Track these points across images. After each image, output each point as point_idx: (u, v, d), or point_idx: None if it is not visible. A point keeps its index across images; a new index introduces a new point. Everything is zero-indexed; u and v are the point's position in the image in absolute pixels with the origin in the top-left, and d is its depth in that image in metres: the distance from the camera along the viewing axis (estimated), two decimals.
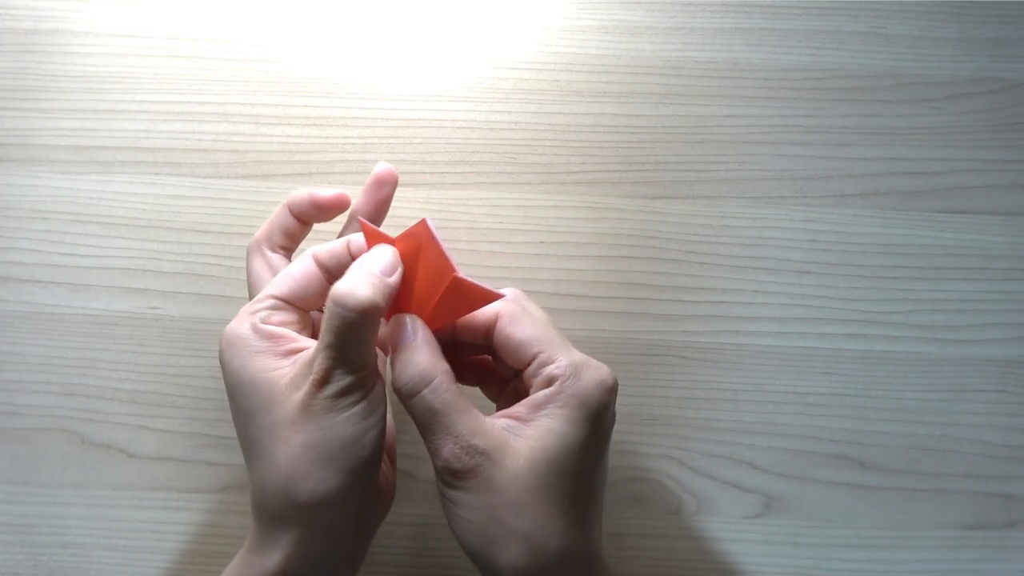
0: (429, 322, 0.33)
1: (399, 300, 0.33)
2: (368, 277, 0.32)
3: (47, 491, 0.42)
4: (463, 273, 0.31)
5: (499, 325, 0.33)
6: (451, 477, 0.31)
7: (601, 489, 0.33)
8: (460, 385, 0.32)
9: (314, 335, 0.35)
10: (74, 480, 0.42)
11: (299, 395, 0.31)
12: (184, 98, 0.45)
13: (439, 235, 0.32)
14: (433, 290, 0.32)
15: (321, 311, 0.37)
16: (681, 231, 0.44)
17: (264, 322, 0.33)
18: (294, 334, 0.33)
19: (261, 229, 0.37)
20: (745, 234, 0.44)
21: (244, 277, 0.43)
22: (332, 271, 0.34)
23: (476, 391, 0.37)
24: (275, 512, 0.32)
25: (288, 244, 0.38)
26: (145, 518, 0.41)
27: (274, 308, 0.33)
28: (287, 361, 0.32)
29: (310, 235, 0.38)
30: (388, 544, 0.41)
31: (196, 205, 0.44)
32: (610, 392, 0.32)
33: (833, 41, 0.46)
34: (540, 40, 0.46)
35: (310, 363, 0.31)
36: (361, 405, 0.31)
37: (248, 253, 0.37)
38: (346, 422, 0.31)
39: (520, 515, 0.30)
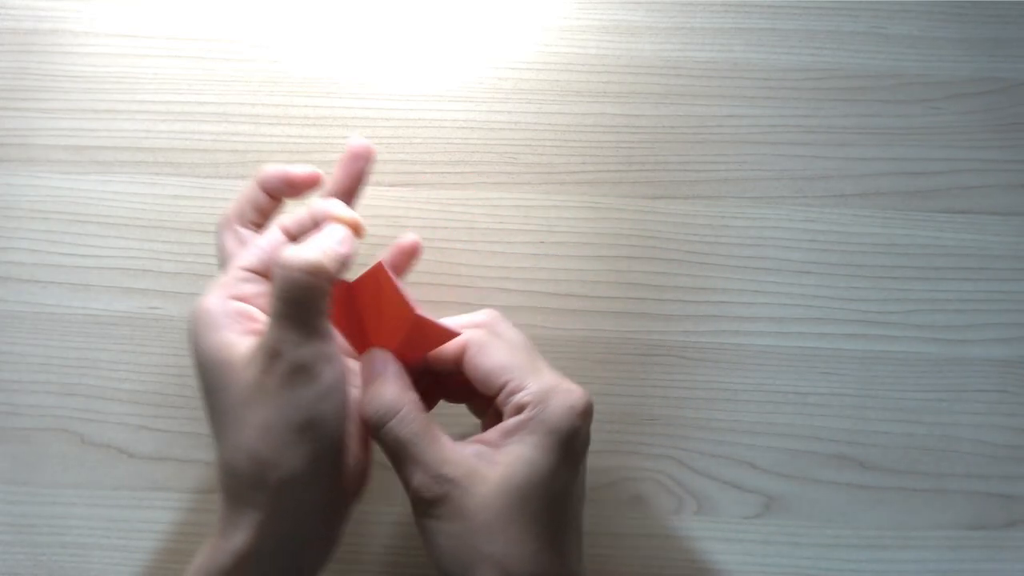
0: (399, 357, 0.33)
1: (368, 338, 0.33)
2: (316, 242, 0.31)
3: (47, 491, 0.42)
4: (423, 310, 0.32)
5: (467, 355, 0.34)
6: (423, 506, 0.31)
7: (577, 512, 0.33)
8: (429, 414, 0.33)
9: None
10: (74, 480, 0.42)
11: (253, 373, 0.30)
12: (184, 98, 0.45)
13: (394, 277, 0.32)
14: (398, 329, 0.33)
15: None
16: (681, 231, 0.44)
17: (233, 296, 0.32)
18: (260, 314, 0.33)
19: (231, 205, 0.37)
20: (745, 234, 0.44)
21: None
22: (298, 240, 0.34)
23: (462, 409, 0.37)
24: (239, 493, 0.31)
25: (259, 220, 0.37)
26: (145, 518, 0.41)
27: (244, 280, 0.33)
28: (248, 339, 0.31)
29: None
30: (386, 544, 0.41)
31: (196, 205, 0.44)
32: (581, 415, 0.32)
33: (833, 41, 0.46)
34: (540, 40, 0.46)
35: (261, 340, 0.31)
36: (318, 384, 0.30)
37: (218, 230, 0.36)
38: (302, 402, 0.30)
39: (491, 541, 0.30)
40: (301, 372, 0.30)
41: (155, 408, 0.42)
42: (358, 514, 0.41)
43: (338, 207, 0.34)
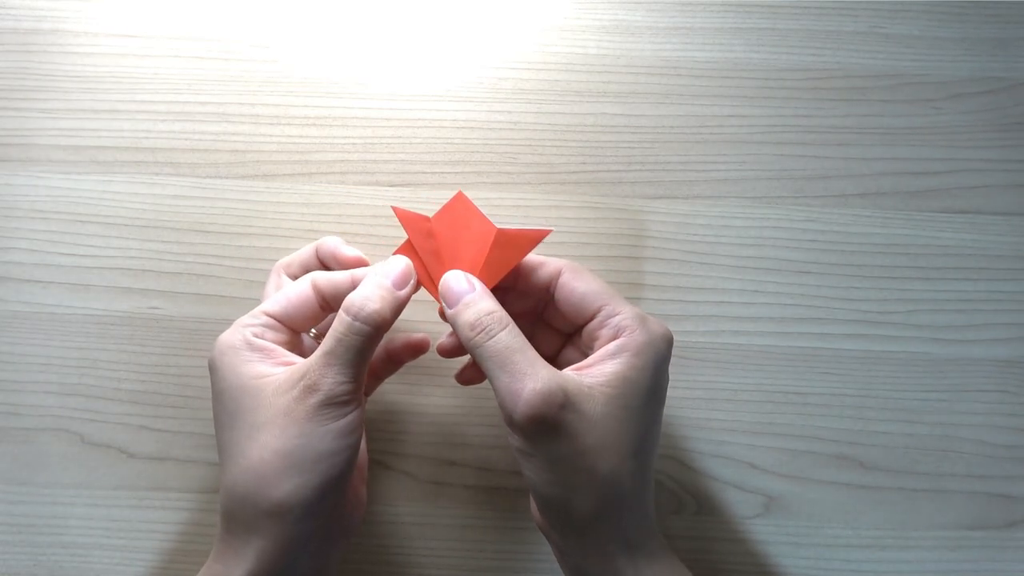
0: (485, 283, 0.34)
1: (447, 268, 0.34)
2: (381, 290, 0.33)
3: (47, 491, 0.42)
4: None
5: (562, 279, 0.34)
6: (532, 424, 0.30)
7: (658, 441, 0.34)
8: None
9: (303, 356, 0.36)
10: (74, 480, 0.42)
11: (284, 399, 0.31)
12: (184, 98, 0.45)
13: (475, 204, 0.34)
14: (480, 252, 0.34)
15: (311, 335, 0.38)
16: (681, 231, 0.44)
17: (256, 336, 0.33)
18: (284, 350, 0.34)
19: (288, 256, 0.39)
20: (745, 234, 0.44)
21: (244, 277, 0.43)
22: (328, 299, 0.35)
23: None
24: (242, 519, 0.31)
25: (300, 275, 0.38)
26: (145, 518, 0.41)
27: (267, 325, 0.34)
28: (278, 369, 0.32)
29: None
30: (387, 544, 0.41)
31: (196, 205, 0.44)
32: (671, 345, 0.33)
33: (833, 41, 0.46)
34: (540, 40, 0.46)
35: (302, 370, 0.32)
36: (343, 421, 0.31)
37: (271, 272, 0.39)
38: (325, 435, 0.31)
39: (601, 459, 0.30)
40: (333, 408, 0.31)
41: (155, 408, 0.42)
42: None
43: (396, 258, 0.35)
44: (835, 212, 0.44)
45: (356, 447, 0.32)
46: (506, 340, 0.31)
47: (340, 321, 0.32)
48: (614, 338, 0.32)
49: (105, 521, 0.41)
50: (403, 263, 0.34)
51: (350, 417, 0.32)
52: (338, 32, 0.46)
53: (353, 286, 0.35)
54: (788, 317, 0.43)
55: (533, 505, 0.35)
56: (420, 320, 0.42)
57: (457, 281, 0.33)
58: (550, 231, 0.34)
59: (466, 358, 0.39)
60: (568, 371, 0.32)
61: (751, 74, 0.46)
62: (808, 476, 0.42)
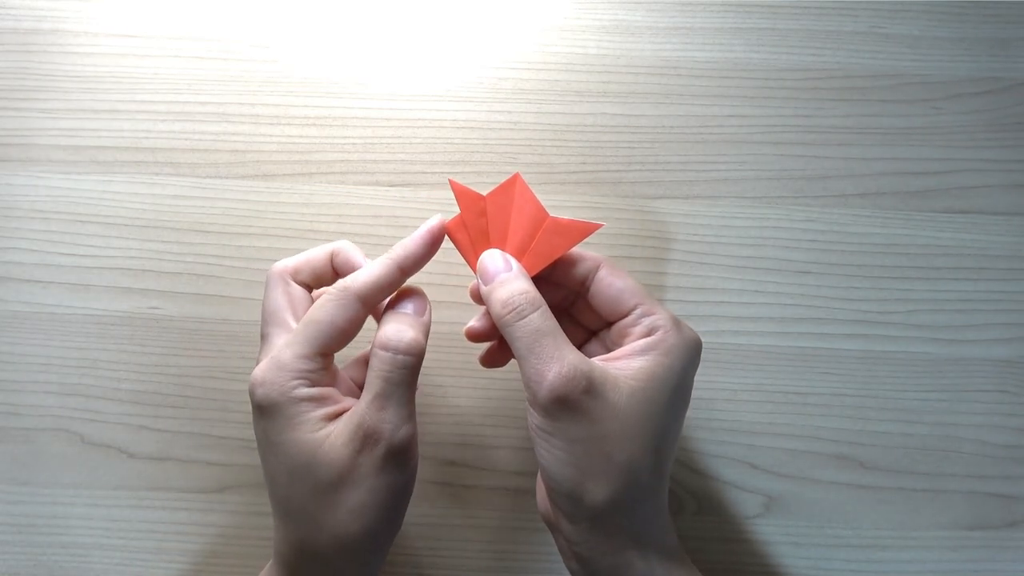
0: (527, 269, 0.34)
1: (493, 247, 0.34)
2: (408, 319, 0.33)
3: (47, 491, 0.42)
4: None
5: (600, 273, 0.34)
6: (555, 404, 0.30)
7: (677, 443, 0.34)
8: None
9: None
10: (74, 480, 0.42)
11: (347, 454, 0.31)
12: (184, 98, 0.45)
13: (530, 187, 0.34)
14: (528, 237, 0.34)
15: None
16: (681, 231, 0.44)
17: (314, 384, 0.32)
18: (338, 394, 0.33)
19: (292, 260, 0.36)
20: (745, 234, 0.44)
21: (244, 277, 0.43)
22: (378, 305, 0.34)
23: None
24: (315, 572, 0.32)
25: (313, 284, 0.37)
26: (145, 518, 0.41)
27: (322, 368, 0.32)
28: (332, 425, 0.32)
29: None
30: None
31: (196, 205, 0.44)
32: (699, 353, 0.34)
33: (833, 41, 0.46)
34: (540, 40, 0.46)
35: (356, 420, 0.31)
36: (409, 466, 0.32)
37: (268, 279, 0.35)
38: (397, 483, 0.32)
39: (620, 447, 0.31)
40: (399, 455, 0.31)
41: (155, 408, 0.42)
42: None
43: (405, 288, 0.35)
44: (835, 212, 0.44)
45: (415, 474, 0.33)
46: (537, 322, 0.31)
47: (381, 359, 0.31)
48: (646, 335, 0.33)
49: (105, 521, 0.41)
50: (414, 291, 0.35)
51: (413, 459, 0.32)
52: (338, 32, 0.46)
53: (400, 272, 0.34)
54: (788, 317, 0.43)
55: (540, 494, 0.35)
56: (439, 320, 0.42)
57: (494, 260, 0.33)
58: (603, 224, 0.34)
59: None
60: (596, 359, 0.32)
61: (751, 74, 0.46)
62: (808, 476, 0.42)
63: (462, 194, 0.35)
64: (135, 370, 0.43)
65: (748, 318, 0.43)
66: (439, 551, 0.42)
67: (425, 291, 0.35)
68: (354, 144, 0.44)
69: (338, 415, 0.32)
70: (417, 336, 0.32)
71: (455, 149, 0.45)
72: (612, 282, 0.34)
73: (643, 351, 0.32)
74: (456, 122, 0.45)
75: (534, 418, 0.31)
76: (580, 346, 0.37)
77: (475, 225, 0.34)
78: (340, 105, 0.45)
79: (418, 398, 0.42)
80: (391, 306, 0.34)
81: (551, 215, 0.34)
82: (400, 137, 0.45)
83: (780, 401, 0.43)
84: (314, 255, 0.36)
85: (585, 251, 0.35)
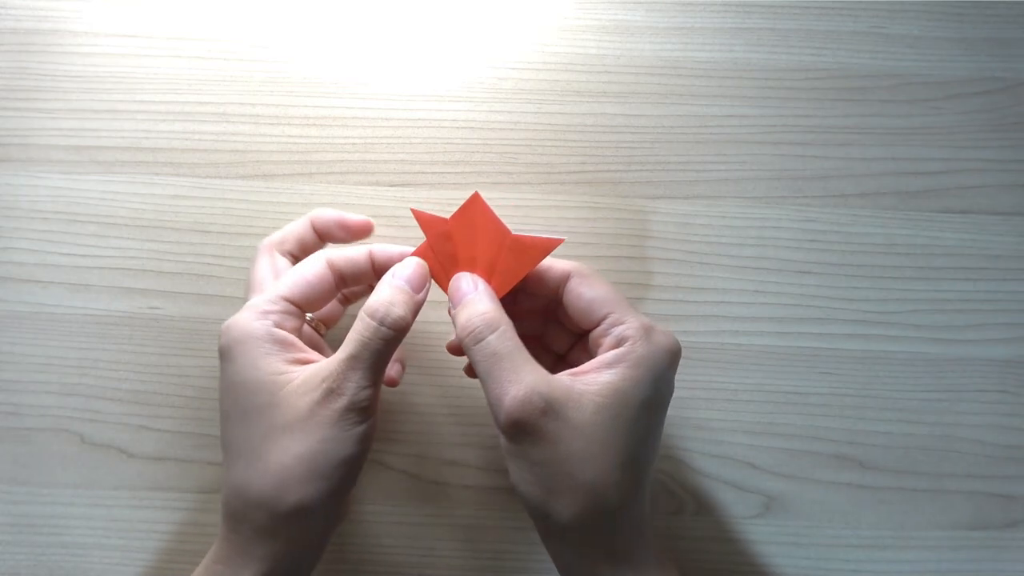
0: (496, 289, 0.34)
1: (462, 270, 0.34)
2: (403, 295, 0.33)
3: (47, 491, 0.42)
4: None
5: (571, 283, 0.34)
6: (513, 428, 0.30)
7: (655, 453, 0.34)
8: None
9: (304, 342, 0.35)
10: (74, 480, 0.42)
11: (307, 402, 0.31)
12: (184, 98, 0.45)
13: (488, 205, 0.34)
14: (495, 257, 0.34)
15: (308, 319, 0.37)
16: (681, 231, 0.44)
17: (278, 325, 0.33)
18: (303, 344, 0.33)
19: (277, 233, 0.38)
20: (745, 234, 0.44)
21: (244, 277, 0.43)
22: (347, 278, 0.35)
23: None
24: (254, 521, 0.31)
25: (298, 253, 0.38)
26: (145, 518, 0.41)
27: (286, 312, 0.33)
28: (296, 368, 0.32)
29: None
30: (389, 544, 0.41)
31: (196, 205, 0.44)
32: (676, 358, 0.33)
33: (833, 41, 0.46)
34: (540, 40, 0.46)
35: (323, 373, 0.31)
36: (364, 426, 0.32)
37: (257, 252, 0.38)
38: (347, 440, 0.31)
39: (583, 467, 0.30)
40: (356, 413, 0.31)
41: (155, 408, 0.42)
42: (358, 514, 0.42)
43: (412, 260, 0.34)
44: (835, 212, 0.44)
45: (370, 450, 0.33)
46: (494, 344, 0.31)
47: (365, 325, 0.32)
48: (615, 347, 0.32)
49: (105, 521, 0.41)
50: (419, 265, 0.34)
51: (370, 422, 0.32)
52: (338, 32, 0.46)
53: (372, 263, 0.35)
54: (788, 317, 0.43)
55: None
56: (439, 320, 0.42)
57: (462, 281, 0.33)
58: (563, 240, 0.34)
59: None
60: (563, 375, 0.32)
61: (751, 74, 0.46)
62: (808, 476, 0.42)
63: (425, 222, 0.34)
64: (135, 370, 0.42)
65: (748, 318, 0.43)
66: (439, 551, 0.42)
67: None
68: (354, 144, 0.44)
69: (301, 364, 0.32)
70: (405, 315, 0.32)
71: (455, 149, 0.45)
72: (581, 292, 0.33)
73: (610, 364, 0.32)
74: (456, 122, 0.45)
75: (501, 441, 0.32)
76: (568, 349, 0.37)
77: (443, 250, 0.34)
78: (340, 105, 0.45)
79: (418, 397, 0.42)
80: (393, 271, 0.34)
81: (513, 233, 0.34)
82: (400, 137, 0.45)
83: (780, 401, 0.43)
84: (295, 227, 0.38)
85: (556, 261, 0.34)
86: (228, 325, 0.33)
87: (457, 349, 0.38)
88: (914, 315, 0.44)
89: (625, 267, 0.44)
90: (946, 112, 0.45)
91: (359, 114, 0.45)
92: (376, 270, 0.35)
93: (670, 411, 0.42)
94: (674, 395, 0.42)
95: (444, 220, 0.34)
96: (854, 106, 0.45)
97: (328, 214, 0.38)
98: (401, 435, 0.42)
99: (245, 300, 0.35)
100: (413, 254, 0.35)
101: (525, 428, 0.30)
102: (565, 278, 0.34)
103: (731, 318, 0.43)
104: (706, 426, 0.43)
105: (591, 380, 0.31)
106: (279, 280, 0.34)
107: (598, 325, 0.33)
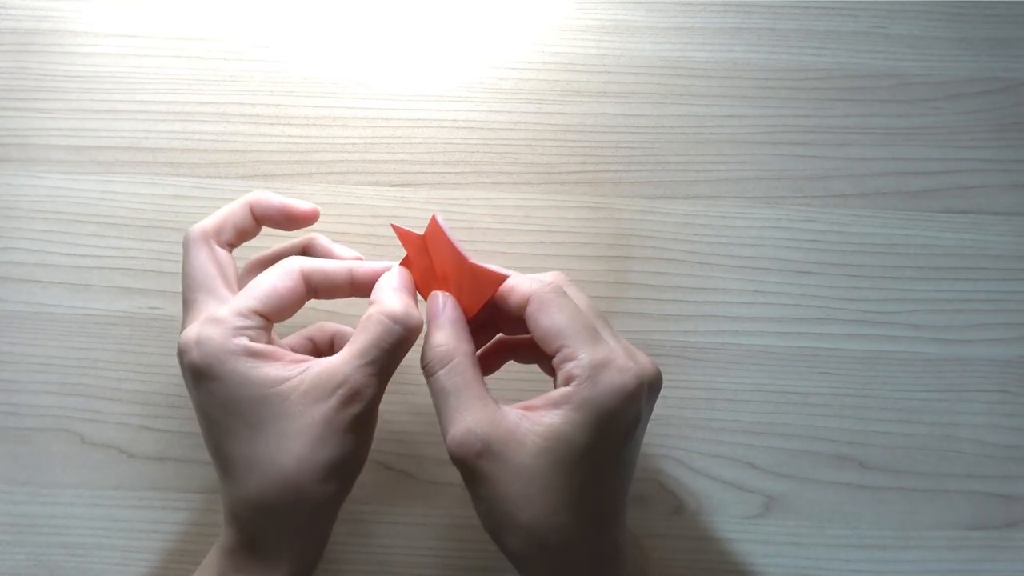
0: (465, 309, 0.33)
1: (439, 286, 0.34)
2: (411, 300, 0.33)
3: (47, 491, 0.42)
4: (476, 259, 0.33)
5: (528, 311, 0.32)
6: (456, 464, 0.31)
7: (621, 486, 0.32)
8: (478, 372, 0.32)
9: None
10: (74, 480, 0.42)
11: (322, 410, 0.30)
12: (184, 98, 0.45)
13: (447, 228, 0.33)
14: (456, 277, 0.33)
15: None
16: (681, 231, 0.44)
17: (253, 341, 0.31)
18: (286, 350, 0.33)
19: (211, 220, 0.35)
20: (745, 234, 0.44)
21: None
22: (320, 292, 0.34)
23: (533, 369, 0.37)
24: (275, 529, 0.31)
25: (236, 242, 0.36)
26: (145, 518, 0.41)
27: (260, 328, 0.32)
28: (292, 370, 0.31)
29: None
30: (388, 544, 0.41)
31: (196, 205, 0.44)
32: (630, 398, 0.30)
33: (833, 41, 0.46)
34: (540, 40, 0.46)
35: (338, 378, 0.31)
36: (372, 428, 0.32)
37: (190, 242, 0.35)
38: (362, 442, 0.32)
39: (522, 509, 0.30)
40: (372, 416, 0.32)
41: (155, 408, 0.42)
42: (358, 514, 0.42)
43: (403, 271, 0.34)
44: (835, 212, 0.44)
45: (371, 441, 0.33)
46: (442, 380, 0.31)
47: (387, 330, 0.31)
48: (565, 383, 0.30)
49: (105, 521, 0.41)
50: (407, 275, 0.34)
51: (375, 422, 0.33)
52: (338, 32, 0.46)
53: (351, 281, 0.34)
54: (788, 317, 0.43)
55: None
56: None
57: (434, 302, 0.33)
58: (507, 277, 0.32)
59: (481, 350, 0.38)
60: (514, 410, 0.31)
61: (751, 74, 0.46)
62: (808, 476, 0.42)
63: (404, 237, 0.34)
64: (135, 370, 0.42)
65: (748, 318, 0.43)
66: (439, 551, 0.42)
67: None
68: (354, 144, 0.44)
69: (298, 363, 0.32)
70: (419, 319, 0.32)
71: (455, 149, 0.45)
72: (538, 321, 0.32)
73: (556, 404, 0.30)
74: (456, 122, 0.45)
75: None
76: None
77: (420, 264, 0.34)
78: (340, 105, 0.45)
79: (418, 397, 0.42)
80: (392, 283, 0.33)
81: (468, 260, 0.32)
82: (400, 137, 0.45)
83: (780, 401, 0.43)
84: (232, 209, 0.36)
85: (519, 283, 0.32)
86: (199, 340, 0.31)
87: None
88: (914, 315, 0.44)
89: (625, 267, 0.44)
90: (946, 112, 0.45)
91: (359, 114, 0.45)
92: (355, 287, 0.34)
93: (670, 411, 0.43)
94: (674, 395, 0.43)
95: (420, 236, 0.34)
96: (854, 106, 0.45)
97: (271, 200, 0.36)
98: (401, 435, 0.42)
99: (186, 297, 0.34)
100: (400, 265, 0.35)
101: (464, 466, 0.30)
102: (525, 304, 0.32)
103: (731, 318, 0.43)
104: (706, 426, 0.43)
105: (538, 419, 0.30)
106: (248, 290, 0.32)
107: (554, 356, 0.32)
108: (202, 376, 0.31)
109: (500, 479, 0.30)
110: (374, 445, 0.41)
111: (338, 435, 0.30)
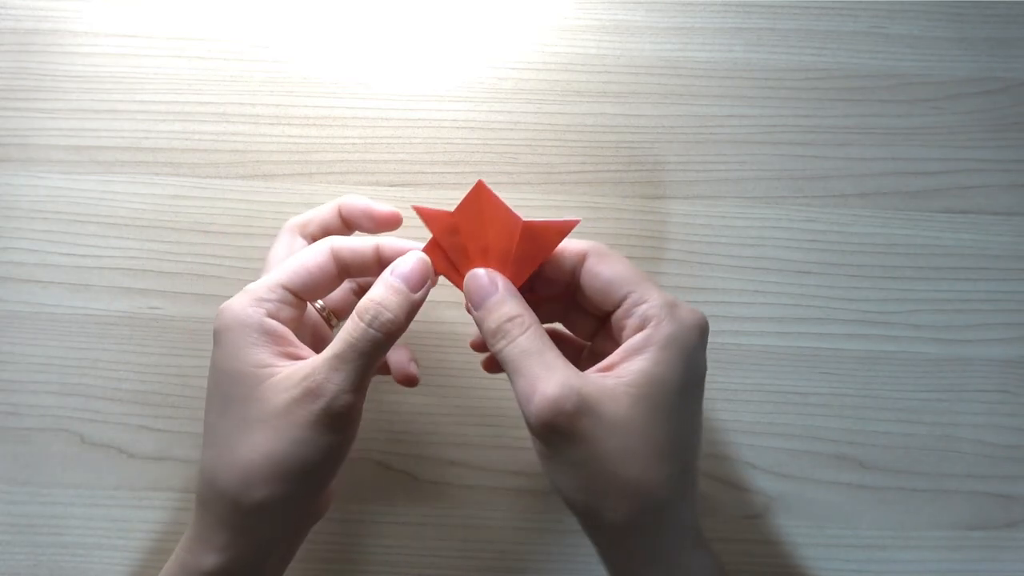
0: (513, 279, 0.32)
1: (474, 265, 0.33)
2: (397, 296, 0.31)
3: (47, 491, 0.42)
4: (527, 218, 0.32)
5: (587, 264, 0.32)
6: (546, 429, 0.29)
7: (700, 436, 0.32)
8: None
9: (308, 331, 0.35)
10: (74, 480, 0.42)
11: (283, 399, 0.30)
12: (184, 98, 0.45)
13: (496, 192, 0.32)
14: (507, 246, 0.32)
15: (318, 306, 0.37)
16: (681, 231, 0.44)
17: (268, 313, 0.31)
18: (295, 339, 0.32)
19: (302, 215, 0.37)
20: (745, 234, 0.44)
21: (244, 277, 0.43)
22: (351, 270, 0.34)
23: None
24: (218, 512, 0.31)
25: (320, 236, 0.37)
26: (145, 518, 0.41)
27: (283, 301, 0.32)
28: (282, 362, 0.31)
29: None
30: (387, 543, 0.41)
31: (196, 205, 0.44)
32: (704, 332, 0.31)
33: (833, 41, 0.46)
34: (540, 40, 0.46)
35: (305, 371, 0.30)
36: (340, 435, 0.30)
37: (280, 231, 0.37)
38: (319, 445, 0.30)
39: (626, 464, 0.28)
40: (335, 420, 0.30)
41: (155, 408, 0.42)
42: (358, 514, 0.42)
43: (414, 255, 0.33)
44: (835, 212, 0.44)
45: (345, 457, 0.31)
46: (524, 344, 0.30)
47: (355, 326, 0.30)
48: (640, 328, 0.30)
49: (105, 521, 0.41)
50: (419, 261, 0.32)
51: (347, 432, 0.31)
52: (338, 32, 0.46)
53: (377, 257, 0.33)
54: (788, 317, 0.43)
55: None
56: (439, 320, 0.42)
57: (480, 281, 0.32)
58: (578, 221, 0.32)
59: None
60: (592, 372, 0.30)
61: (751, 74, 0.46)
62: (808, 476, 0.42)
63: (429, 217, 0.33)
64: (135, 370, 0.43)
65: (748, 318, 0.43)
66: (439, 551, 0.42)
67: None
68: (354, 144, 0.44)
69: (290, 358, 0.31)
70: (396, 317, 0.31)
71: (455, 149, 0.45)
72: (599, 272, 0.31)
73: (639, 350, 0.30)
74: (456, 122, 0.45)
75: (534, 443, 0.31)
76: (592, 335, 0.35)
77: (451, 244, 0.33)
78: (340, 105, 0.45)
79: (418, 397, 0.42)
80: (392, 267, 0.32)
81: (524, 219, 0.32)
82: (400, 137, 0.45)
83: (780, 401, 0.43)
84: (322, 211, 0.37)
85: (571, 241, 0.32)
86: (222, 308, 0.32)
87: (481, 346, 0.37)
88: (914, 315, 0.44)
89: None
90: (946, 112, 0.45)
91: (359, 114, 0.45)
92: (382, 264, 0.33)
93: None
94: None
95: (448, 213, 0.33)
96: (854, 106, 0.45)
97: (356, 202, 0.36)
98: (401, 435, 0.42)
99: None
100: (423, 250, 0.33)
101: (558, 429, 0.29)
102: (581, 259, 0.32)
103: (731, 318, 0.43)
104: (706, 426, 0.43)
105: (623, 371, 0.29)
106: (280, 266, 0.33)
107: (619, 306, 0.31)
108: (215, 341, 0.32)
109: (599, 435, 0.28)
110: (374, 445, 0.42)
111: (292, 430, 0.29)
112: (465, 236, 0.32)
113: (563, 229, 0.32)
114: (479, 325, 0.32)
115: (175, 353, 0.43)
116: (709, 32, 0.46)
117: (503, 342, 0.30)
